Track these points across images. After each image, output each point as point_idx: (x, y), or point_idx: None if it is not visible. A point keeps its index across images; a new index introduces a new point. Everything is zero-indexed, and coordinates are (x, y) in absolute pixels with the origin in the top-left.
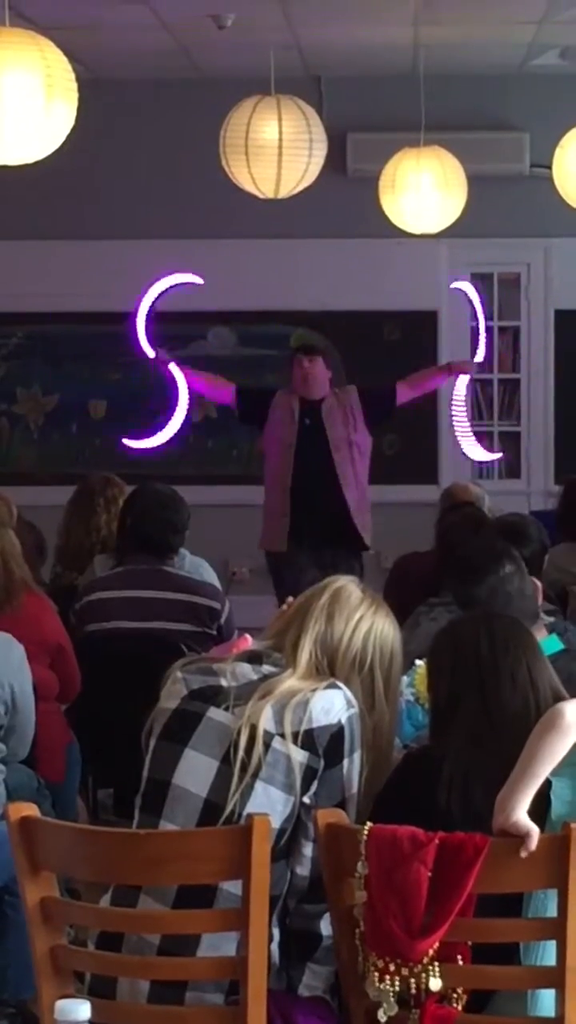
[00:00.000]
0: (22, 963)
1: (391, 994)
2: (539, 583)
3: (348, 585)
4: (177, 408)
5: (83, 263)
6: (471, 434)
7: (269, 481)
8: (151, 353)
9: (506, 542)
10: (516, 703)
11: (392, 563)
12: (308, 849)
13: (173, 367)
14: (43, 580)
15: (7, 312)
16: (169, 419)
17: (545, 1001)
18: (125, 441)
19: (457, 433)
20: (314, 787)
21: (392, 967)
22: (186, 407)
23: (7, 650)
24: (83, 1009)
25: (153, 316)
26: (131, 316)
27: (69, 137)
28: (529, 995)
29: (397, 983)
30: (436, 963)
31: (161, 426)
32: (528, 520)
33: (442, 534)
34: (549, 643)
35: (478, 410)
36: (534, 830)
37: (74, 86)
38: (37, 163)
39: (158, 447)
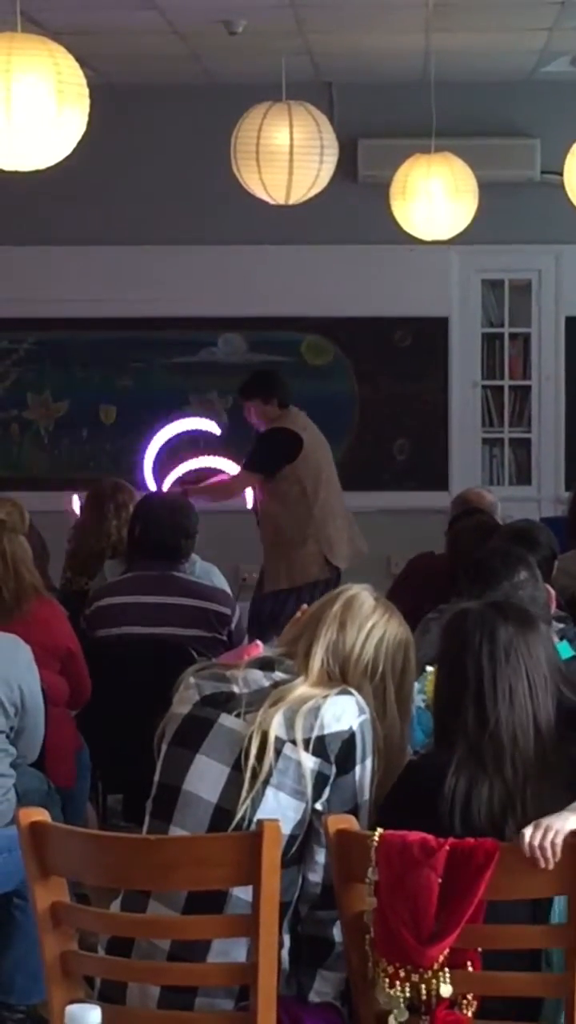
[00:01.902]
0: (32, 968)
1: (401, 1000)
2: (552, 590)
3: (361, 593)
4: None
5: (94, 269)
6: None
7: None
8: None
9: (522, 549)
10: (515, 718)
11: (402, 569)
12: (321, 856)
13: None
14: (53, 585)
15: (17, 318)
16: None
17: None
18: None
19: None
20: (326, 794)
21: (402, 973)
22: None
23: (14, 651)
24: (93, 1014)
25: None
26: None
27: (80, 143)
28: None
29: (407, 989)
30: (446, 969)
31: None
32: (538, 526)
33: (452, 540)
34: (560, 650)
35: (489, 417)
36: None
37: (85, 91)
38: (48, 169)
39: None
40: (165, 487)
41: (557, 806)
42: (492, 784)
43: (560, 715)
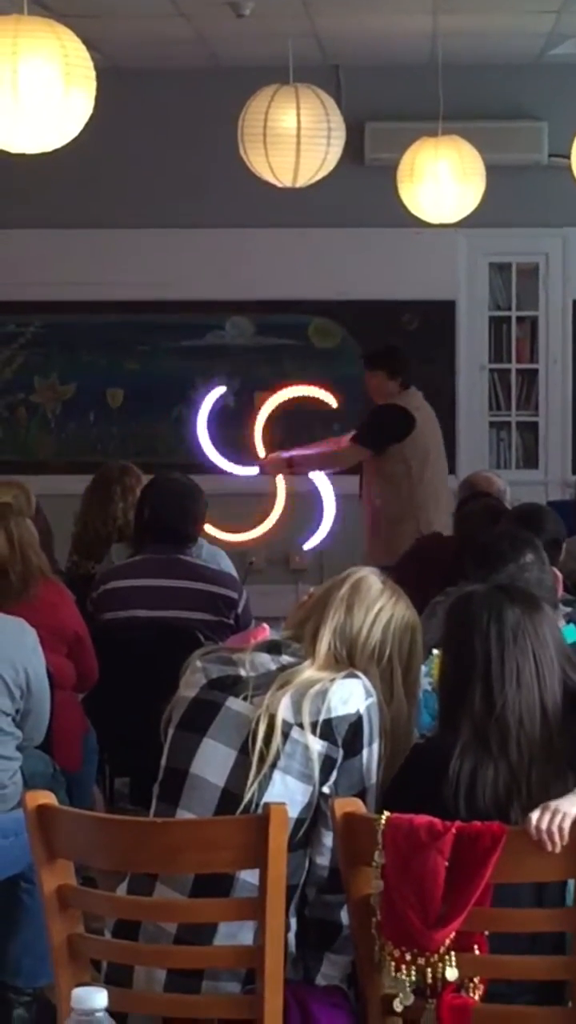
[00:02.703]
0: (39, 951)
1: (407, 984)
2: (559, 573)
3: (369, 576)
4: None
5: (100, 252)
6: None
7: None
8: (254, 471)
9: (528, 532)
10: (521, 700)
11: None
12: (328, 839)
13: (276, 457)
14: (60, 569)
15: (24, 301)
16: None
17: None
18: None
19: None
20: (333, 777)
21: (408, 957)
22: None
23: (20, 634)
24: (100, 997)
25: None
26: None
27: (87, 125)
28: None
29: (413, 973)
30: (453, 953)
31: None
32: (545, 510)
33: (460, 523)
34: (567, 633)
35: (496, 400)
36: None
37: (92, 74)
38: (55, 151)
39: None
40: (265, 453)
41: (562, 789)
42: (497, 767)
43: (566, 698)
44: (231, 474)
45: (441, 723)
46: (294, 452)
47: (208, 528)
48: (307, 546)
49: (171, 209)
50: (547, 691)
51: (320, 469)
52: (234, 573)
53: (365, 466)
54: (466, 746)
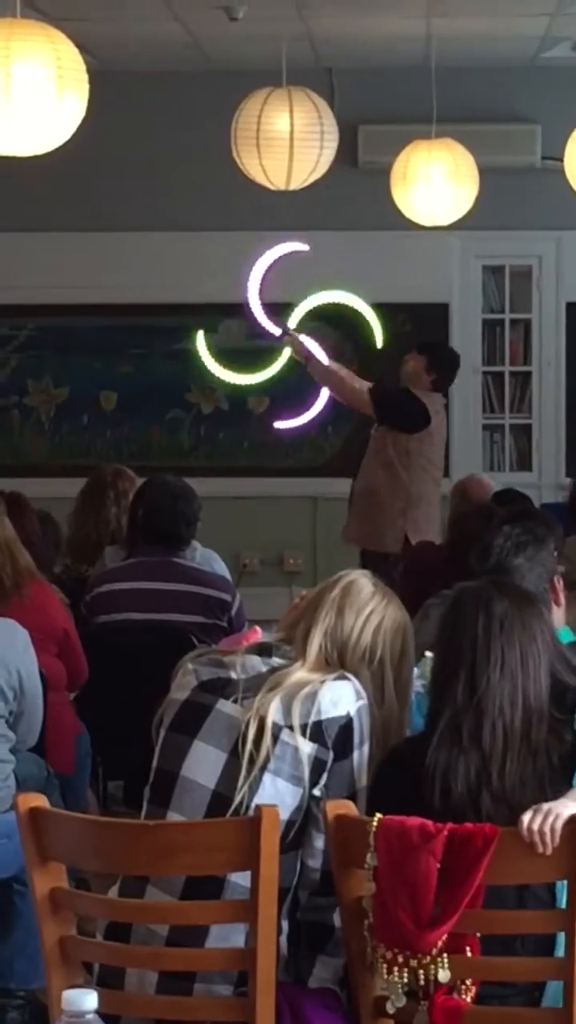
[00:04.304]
0: (31, 953)
1: (399, 986)
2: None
3: (360, 579)
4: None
5: (93, 255)
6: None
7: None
8: (276, 331)
9: (539, 531)
10: (502, 689)
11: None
12: (320, 841)
13: (305, 339)
14: (51, 569)
15: (18, 304)
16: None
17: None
18: (277, 424)
19: None
20: (324, 779)
21: (401, 959)
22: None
23: (11, 635)
24: (90, 999)
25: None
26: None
27: (80, 129)
28: None
29: (406, 975)
30: (445, 955)
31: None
32: (538, 513)
33: (454, 524)
34: (562, 635)
35: (489, 403)
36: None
37: (85, 77)
38: (47, 154)
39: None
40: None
41: (536, 783)
42: (468, 755)
43: (553, 694)
44: (224, 477)
45: (428, 717)
46: (315, 349)
47: (212, 366)
48: (280, 425)
49: (164, 212)
50: (531, 682)
51: (327, 384)
52: (227, 575)
53: (371, 446)
54: (442, 738)
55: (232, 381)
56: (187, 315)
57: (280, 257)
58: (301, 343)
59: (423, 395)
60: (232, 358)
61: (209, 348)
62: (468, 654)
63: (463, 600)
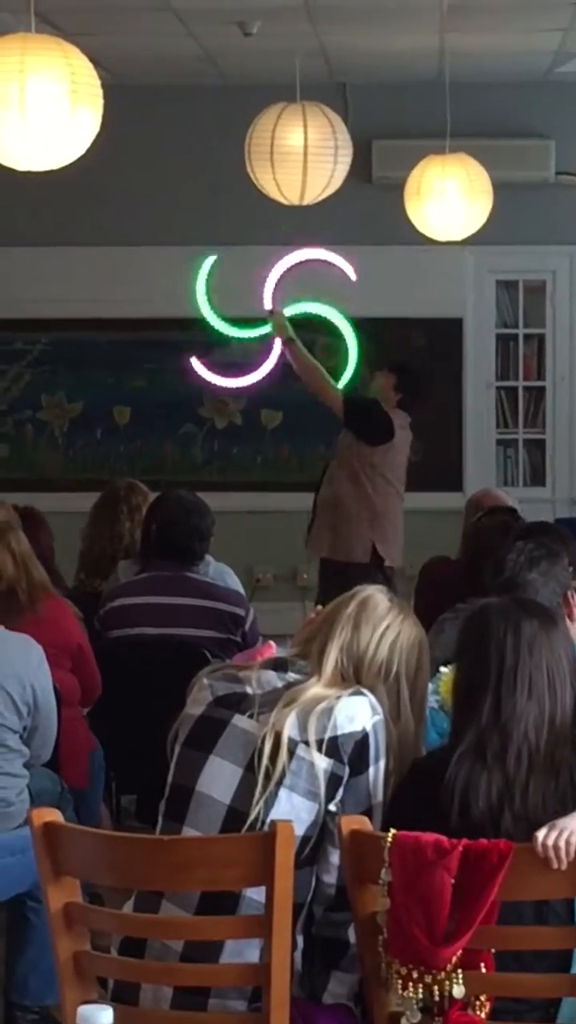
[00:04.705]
0: (45, 969)
1: (414, 1002)
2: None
3: (376, 594)
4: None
5: (107, 270)
6: None
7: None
8: (269, 305)
9: (556, 546)
10: (530, 711)
11: (417, 571)
12: (335, 857)
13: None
14: (66, 584)
15: (31, 319)
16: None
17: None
18: (194, 360)
19: None
20: (340, 795)
21: (415, 974)
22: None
23: (27, 651)
24: (105, 1015)
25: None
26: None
27: (94, 143)
28: None
29: (420, 991)
30: (459, 970)
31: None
32: (553, 528)
33: (473, 536)
34: None
35: (503, 418)
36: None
37: (99, 92)
38: (62, 169)
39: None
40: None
41: (558, 803)
42: (491, 775)
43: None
44: (238, 492)
45: (451, 733)
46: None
47: (200, 368)
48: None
49: (178, 226)
50: (557, 705)
51: (305, 375)
52: (241, 590)
53: (336, 458)
54: (464, 754)
55: (210, 321)
56: (200, 329)
57: (318, 261)
58: (286, 325)
59: (390, 410)
60: (247, 372)
61: (209, 281)
62: (495, 675)
63: (489, 618)
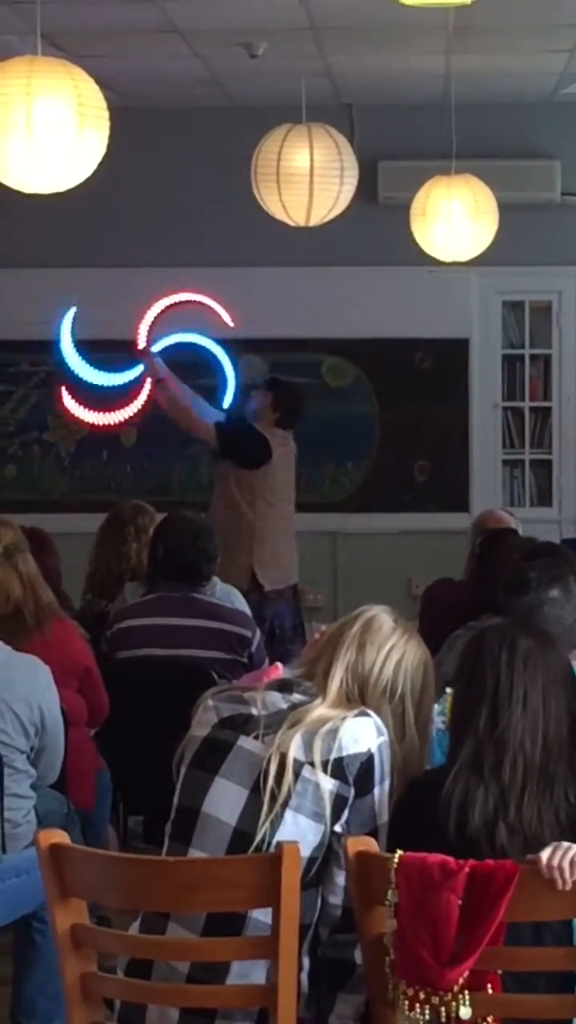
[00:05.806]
0: (52, 990)
1: (421, 1023)
2: None
3: (380, 615)
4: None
5: (114, 291)
6: None
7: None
8: (141, 344)
9: (563, 567)
10: (525, 724)
11: (422, 591)
12: (341, 878)
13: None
14: (72, 606)
15: (38, 340)
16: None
17: None
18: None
19: None
20: (345, 816)
21: (422, 995)
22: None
23: (34, 672)
24: None
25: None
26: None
27: (100, 165)
28: None
29: (427, 1012)
30: (466, 991)
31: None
32: (559, 549)
33: (483, 555)
34: None
35: (509, 438)
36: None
37: (105, 114)
38: (68, 191)
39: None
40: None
41: (550, 815)
42: (488, 788)
43: (572, 732)
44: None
45: (449, 750)
46: (172, 376)
47: (71, 405)
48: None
49: (184, 248)
50: (552, 719)
51: (174, 414)
52: (247, 611)
53: (216, 486)
54: (461, 769)
55: (75, 369)
56: (208, 350)
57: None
58: (156, 364)
59: (265, 430)
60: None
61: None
62: (491, 689)
63: (486, 637)
